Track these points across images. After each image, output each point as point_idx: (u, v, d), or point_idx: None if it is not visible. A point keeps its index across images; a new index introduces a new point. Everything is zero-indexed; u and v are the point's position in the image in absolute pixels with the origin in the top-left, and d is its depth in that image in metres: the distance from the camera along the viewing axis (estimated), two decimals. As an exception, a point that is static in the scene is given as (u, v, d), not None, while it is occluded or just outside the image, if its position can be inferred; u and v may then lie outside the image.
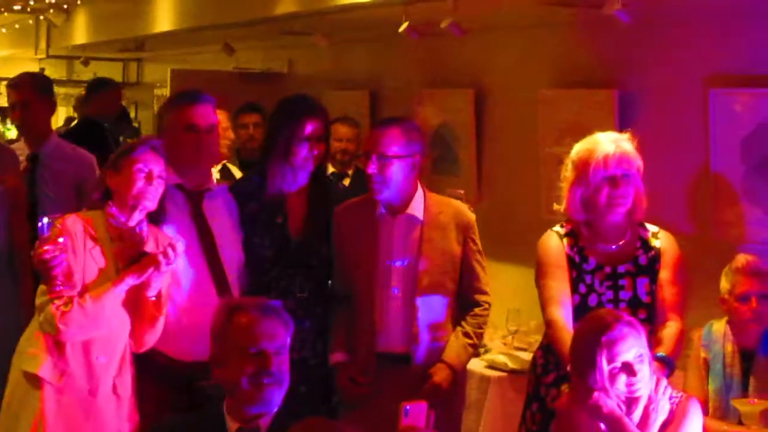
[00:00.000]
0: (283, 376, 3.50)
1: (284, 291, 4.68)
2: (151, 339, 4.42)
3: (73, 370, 4.28)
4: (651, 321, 4.39)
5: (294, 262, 4.79)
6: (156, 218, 4.46)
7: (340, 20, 7.83)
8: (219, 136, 4.96)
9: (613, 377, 3.60)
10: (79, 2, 12.75)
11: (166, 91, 11.37)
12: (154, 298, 4.35)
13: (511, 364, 5.93)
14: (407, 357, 4.75)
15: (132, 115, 13.59)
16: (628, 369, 3.60)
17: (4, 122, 14.36)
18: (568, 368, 3.84)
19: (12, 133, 11.89)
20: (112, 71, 14.17)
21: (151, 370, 4.51)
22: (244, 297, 4.43)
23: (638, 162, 4.42)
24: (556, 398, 4.29)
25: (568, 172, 4.49)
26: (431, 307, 4.74)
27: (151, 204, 4.37)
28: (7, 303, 5.09)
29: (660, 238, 4.51)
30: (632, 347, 3.61)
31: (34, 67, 16.46)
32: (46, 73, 15.34)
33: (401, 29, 6.89)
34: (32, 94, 5.87)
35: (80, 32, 13.60)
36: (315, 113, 4.88)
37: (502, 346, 6.33)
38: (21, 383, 4.32)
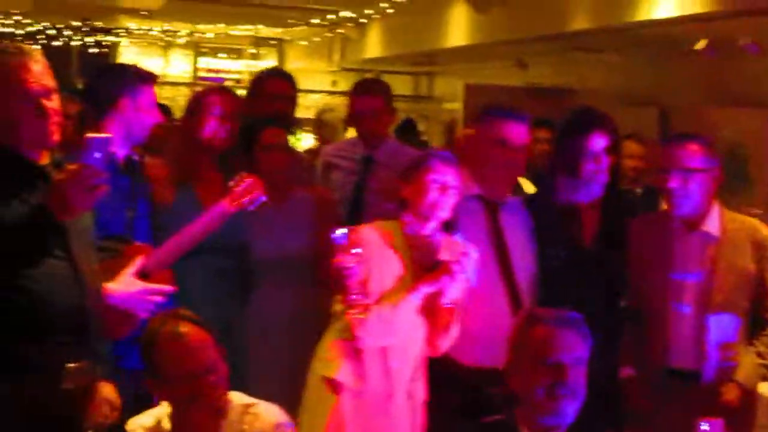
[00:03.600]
0: (578, 388, 3.46)
1: (577, 302, 4.68)
2: (445, 345, 4.48)
3: (370, 375, 4.39)
4: None
5: (587, 273, 4.79)
6: (450, 227, 4.52)
7: (632, 36, 7.80)
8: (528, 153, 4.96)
9: None
10: (373, 17, 13.08)
11: (457, 105, 11.51)
12: (448, 306, 4.40)
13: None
14: (696, 374, 4.64)
15: (421, 128, 13.81)
16: None
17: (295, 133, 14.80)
18: None
19: (305, 142, 12.22)
20: (402, 85, 14.43)
21: (443, 376, 4.56)
22: (543, 308, 4.45)
23: None
24: None
25: None
26: (723, 325, 4.63)
27: (444, 214, 4.43)
28: (312, 309, 5.25)
29: None
30: None
31: (327, 80, 17.01)
32: (339, 86, 15.85)
33: (698, 46, 6.80)
34: (384, 100, 6.03)
35: (373, 46, 13.93)
36: (602, 126, 4.84)
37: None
38: (320, 387, 4.44)
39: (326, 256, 5.09)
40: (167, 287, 4.09)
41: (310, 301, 5.17)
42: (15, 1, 13.55)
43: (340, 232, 4.19)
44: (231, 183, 4.55)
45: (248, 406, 3.47)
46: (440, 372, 4.55)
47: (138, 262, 4.05)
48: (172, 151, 4.97)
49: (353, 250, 4.20)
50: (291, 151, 5.63)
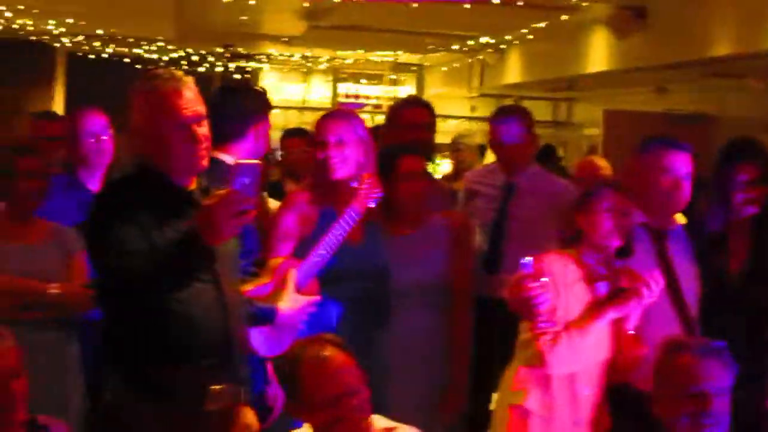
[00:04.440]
0: (722, 417, 3.46)
1: (719, 331, 4.64)
2: (630, 372, 4.47)
3: (558, 402, 4.43)
4: None
5: (731, 302, 4.73)
6: (624, 253, 4.53)
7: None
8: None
9: None
10: (513, 43, 13.09)
11: (596, 131, 11.45)
12: (633, 332, 4.43)
13: None
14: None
15: (561, 154, 13.76)
16: None
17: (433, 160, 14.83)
18: None
19: (443, 168, 12.26)
20: (541, 110, 14.40)
21: (621, 402, 4.54)
22: (688, 336, 4.44)
23: None
24: None
25: None
26: None
27: (617, 241, 4.46)
28: (447, 334, 5.27)
29: None
30: None
31: (466, 106, 17.04)
32: (478, 112, 15.87)
33: None
34: (524, 127, 6.05)
35: (512, 72, 13.91)
36: (753, 156, 4.81)
37: None
38: (508, 416, 4.49)
39: (462, 281, 5.18)
40: (316, 297, 4.23)
41: (447, 324, 5.20)
42: (158, 28, 13.87)
43: (527, 260, 4.23)
44: (355, 185, 4.61)
45: (390, 429, 3.50)
46: (618, 398, 4.56)
47: (294, 278, 4.16)
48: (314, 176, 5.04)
49: (540, 279, 4.26)
50: (429, 178, 5.66)
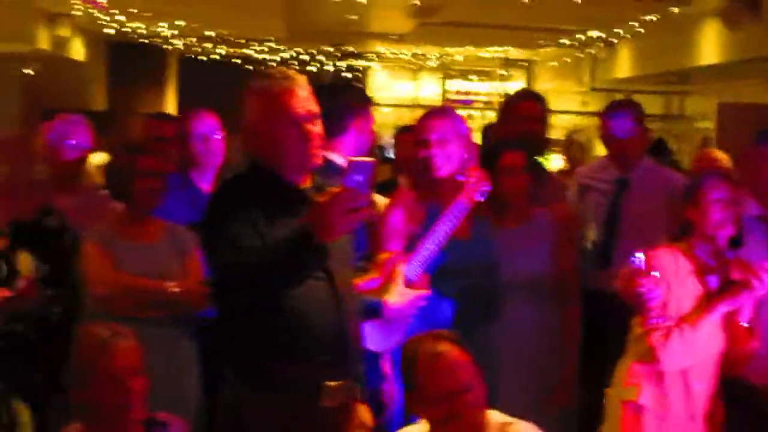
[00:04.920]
0: None
1: None
2: (744, 365, 4.47)
3: (672, 397, 4.42)
4: None
5: None
6: (735, 244, 4.49)
7: None
8: None
9: None
10: (623, 36, 12.98)
11: (709, 124, 11.30)
12: (746, 325, 4.39)
13: None
14: None
15: (673, 148, 13.60)
16: None
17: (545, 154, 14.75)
18: None
19: (554, 163, 12.19)
20: (653, 104, 14.26)
21: (734, 396, 4.52)
22: None
23: None
24: None
25: None
26: None
27: (728, 231, 4.43)
28: (555, 326, 5.26)
29: None
30: None
31: (576, 101, 16.94)
32: (589, 107, 15.75)
33: None
34: (636, 121, 6.01)
35: (623, 66, 13.81)
36: None
37: None
38: (621, 412, 4.50)
39: (569, 274, 5.15)
40: (426, 291, 4.24)
41: (555, 318, 5.20)
42: (269, 28, 14.02)
43: (638, 256, 4.23)
44: (461, 178, 4.61)
45: (506, 424, 3.49)
46: (731, 392, 4.52)
47: (402, 272, 4.19)
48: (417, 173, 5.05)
49: (652, 273, 4.26)
50: (541, 172, 5.65)
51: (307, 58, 16.87)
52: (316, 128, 3.62)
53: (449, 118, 4.78)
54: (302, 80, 3.66)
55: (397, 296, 4.21)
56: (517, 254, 5.08)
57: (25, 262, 4.85)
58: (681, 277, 4.41)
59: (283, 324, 3.51)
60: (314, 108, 3.64)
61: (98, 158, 8.85)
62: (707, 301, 4.38)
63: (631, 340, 4.49)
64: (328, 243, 3.40)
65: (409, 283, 4.34)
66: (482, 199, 4.62)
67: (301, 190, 3.63)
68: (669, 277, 4.37)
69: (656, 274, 4.26)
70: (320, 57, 17.07)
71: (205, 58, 16.66)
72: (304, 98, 3.62)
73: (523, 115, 5.97)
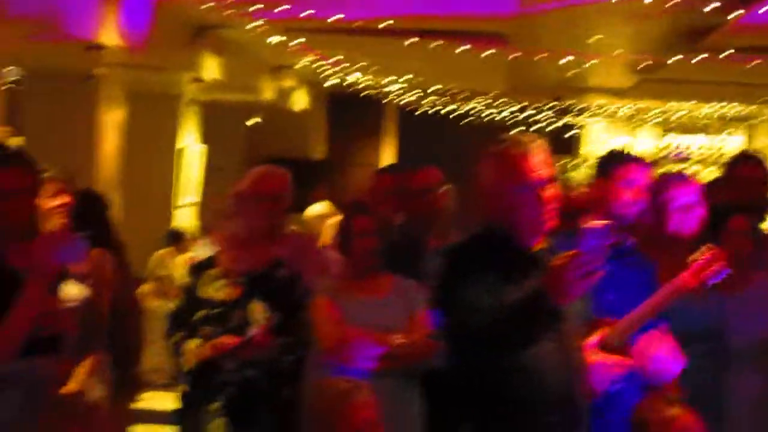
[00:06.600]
0: None
1: None
2: None
3: None
4: None
5: None
6: None
7: None
8: None
9: None
10: None
11: None
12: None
13: None
14: None
15: None
16: None
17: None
18: None
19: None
20: None
21: None
22: None
23: None
24: None
25: None
26: None
27: None
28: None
29: None
30: None
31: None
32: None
33: None
34: None
35: None
36: None
37: None
38: None
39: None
40: (625, 361, 4.21)
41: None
42: (490, 83, 14.14)
43: None
44: (692, 257, 4.57)
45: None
46: None
47: (598, 335, 4.19)
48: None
49: None
50: (758, 236, 5.58)
51: (525, 114, 16.81)
52: (551, 191, 3.68)
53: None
54: (539, 144, 3.73)
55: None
56: (741, 320, 5.00)
57: (258, 311, 5.01)
58: None
59: (515, 383, 3.56)
60: (548, 172, 3.69)
61: (316, 209, 9.10)
62: None
63: None
64: (561, 305, 3.45)
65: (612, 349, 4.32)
66: (716, 281, 4.58)
67: (534, 253, 3.69)
68: None
69: None
70: (538, 115, 16.97)
71: (424, 110, 16.85)
72: (538, 162, 3.68)
73: (744, 178, 5.90)
